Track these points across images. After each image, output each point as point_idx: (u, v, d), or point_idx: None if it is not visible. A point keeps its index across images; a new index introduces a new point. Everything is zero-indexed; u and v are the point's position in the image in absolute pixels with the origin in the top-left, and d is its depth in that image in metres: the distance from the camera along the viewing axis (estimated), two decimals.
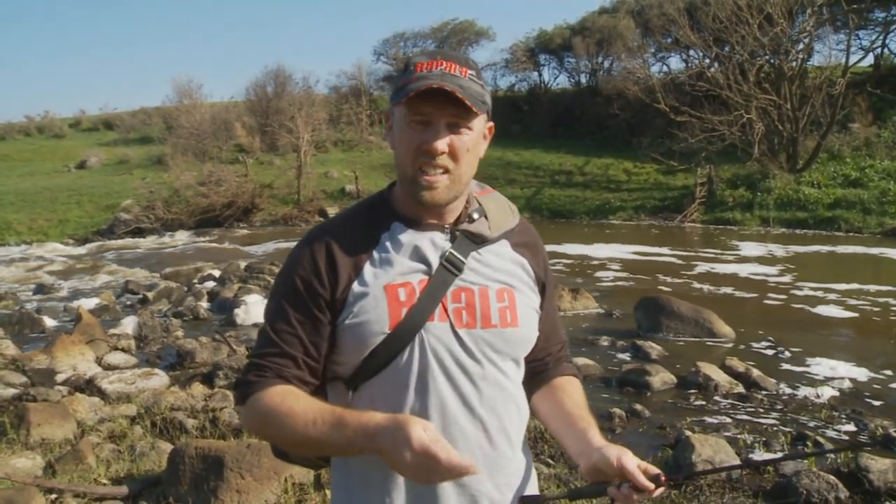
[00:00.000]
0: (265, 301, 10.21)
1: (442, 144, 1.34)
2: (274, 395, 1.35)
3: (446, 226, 1.46)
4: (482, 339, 1.40)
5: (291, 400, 1.34)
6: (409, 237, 1.43)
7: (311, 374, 1.41)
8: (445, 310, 1.39)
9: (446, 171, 1.37)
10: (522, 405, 1.51)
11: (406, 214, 1.45)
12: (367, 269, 1.40)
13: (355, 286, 1.38)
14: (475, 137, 1.40)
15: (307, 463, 1.60)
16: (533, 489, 1.53)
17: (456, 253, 1.42)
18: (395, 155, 1.43)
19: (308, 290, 1.39)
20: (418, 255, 1.41)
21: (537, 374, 1.59)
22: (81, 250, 20.24)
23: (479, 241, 1.46)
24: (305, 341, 1.39)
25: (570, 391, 1.58)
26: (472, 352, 1.39)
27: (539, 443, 5.05)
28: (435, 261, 1.41)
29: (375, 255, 1.41)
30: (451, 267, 1.41)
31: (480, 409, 1.40)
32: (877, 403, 6.20)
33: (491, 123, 1.47)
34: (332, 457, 1.48)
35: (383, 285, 1.38)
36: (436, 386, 1.36)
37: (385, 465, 1.27)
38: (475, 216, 1.48)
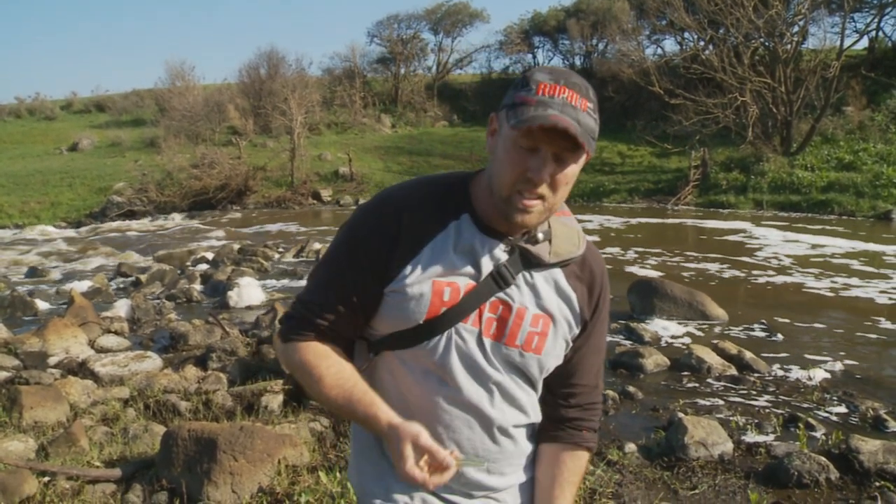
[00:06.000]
0: (258, 283, 10.23)
1: (546, 175, 1.33)
2: (309, 353, 1.46)
3: (510, 237, 1.45)
4: (500, 353, 1.45)
5: (324, 367, 1.43)
6: (471, 236, 1.44)
7: (353, 331, 1.51)
8: (480, 316, 1.43)
9: (543, 198, 1.36)
10: (532, 412, 1.56)
11: (479, 210, 1.45)
12: (425, 255, 1.42)
13: (408, 269, 1.42)
14: (577, 170, 1.38)
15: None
16: (532, 473, 1.62)
17: (509, 268, 1.43)
18: (492, 164, 1.41)
19: (371, 254, 1.43)
20: (473, 259, 1.43)
21: (554, 419, 1.61)
22: (74, 233, 20.14)
23: (534, 262, 1.46)
24: (355, 301, 1.45)
25: (568, 471, 1.60)
26: (492, 360, 1.45)
27: None
28: (486, 269, 1.43)
29: (438, 240, 1.43)
30: (500, 279, 1.43)
31: (491, 410, 1.47)
32: (868, 386, 6.24)
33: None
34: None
35: (432, 279, 1.41)
36: (453, 380, 1.43)
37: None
38: (540, 237, 1.47)
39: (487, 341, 1.43)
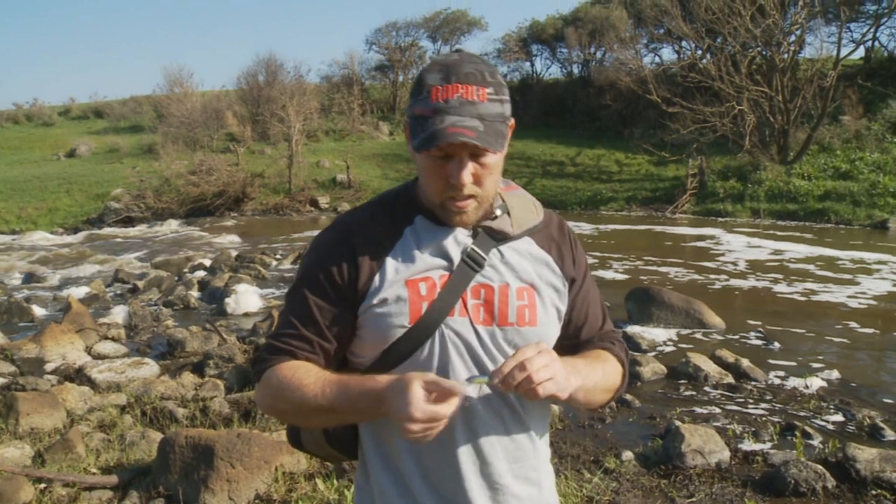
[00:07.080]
0: (256, 290, 10.24)
1: (467, 176, 1.34)
2: (285, 369, 1.40)
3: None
4: (499, 336, 1.42)
5: (301, 373, 1.38)
6: (431, 232, 1.44)
7: (324, 359, 1.45)
8: (465, 305, 1.40)
9: (474, 195, 1.38)
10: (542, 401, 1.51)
11: (429, 208, 1.45)
12: (389, 263, 1.41)
13: (376, 280, 1.40)
14: (498, 157, 1.37)
15: (324, 454, 1.64)
16: (550, 483, 1.56)
17: (477, 249, 1.43)
18: (419, 173, 1.43)
19: (329, 279, 1.42)
20: (440, 251, 1.43)
21: (572, 347, 1.56)
22: (71, 239, 20.12)
23: (500, 237, 1.46)
24: (322, 326, 1.43)
25: (593, 355, 1.53)
26: (489, 347, 1.42)
27: None
28: (456, 256, 1.42)
29: (398, 248, 1.43)
30: (472, 263, 1.42)
31: (499, 402, 1.42)
32: (865, 394, 6.25)
33: (512, 121, 1.40)
34: (345, 423, 1.50)
35: (404, 280, 1.40)
36: (457, 379, 1.38)
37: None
38: (497, 213, 1.48)
39: (481, 328, 1.40)
